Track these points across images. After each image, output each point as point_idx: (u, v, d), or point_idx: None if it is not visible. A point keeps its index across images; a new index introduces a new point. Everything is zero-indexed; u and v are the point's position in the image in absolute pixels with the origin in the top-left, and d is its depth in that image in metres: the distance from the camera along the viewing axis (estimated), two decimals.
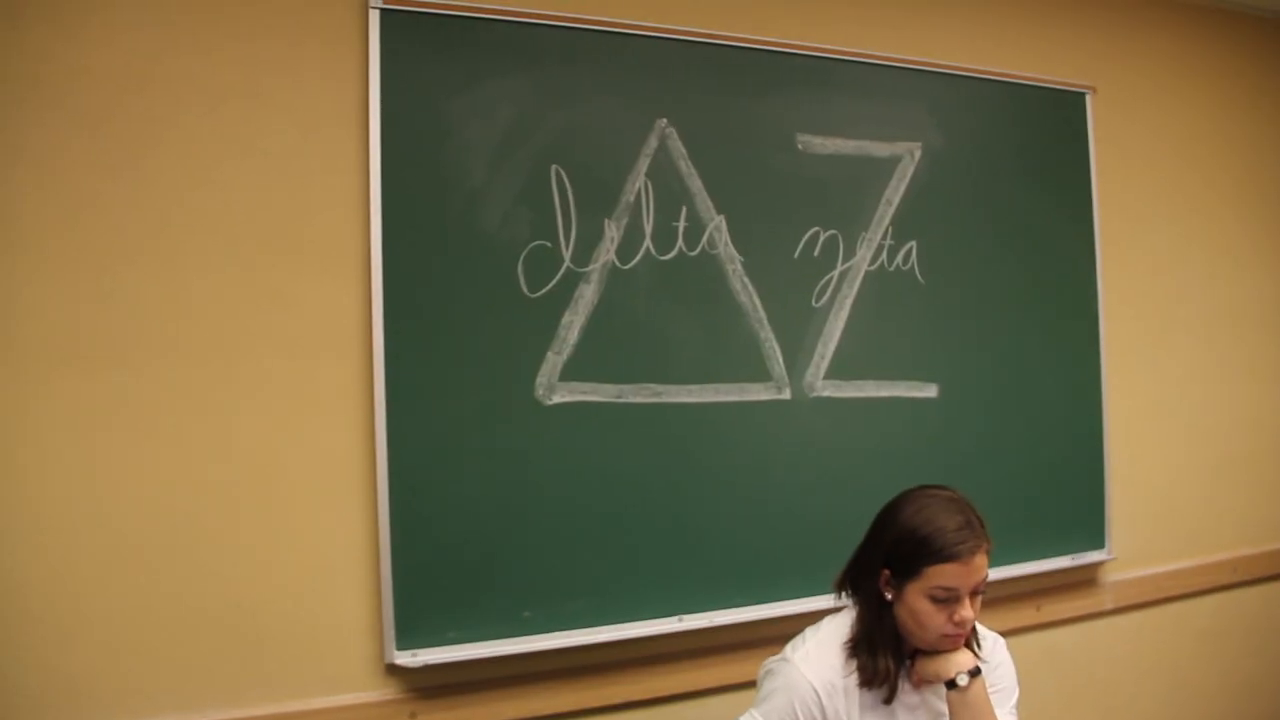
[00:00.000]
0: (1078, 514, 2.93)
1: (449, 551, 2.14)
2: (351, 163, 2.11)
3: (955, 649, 1.77)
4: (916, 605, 1.70)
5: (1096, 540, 2.95)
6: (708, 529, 2.37)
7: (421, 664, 2.10)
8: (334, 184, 2.11)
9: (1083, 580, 2.99)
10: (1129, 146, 3.13)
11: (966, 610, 1.70)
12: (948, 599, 1.69)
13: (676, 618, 2.33)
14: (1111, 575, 3.04)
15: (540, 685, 2.25)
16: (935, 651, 1.75)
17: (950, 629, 1.71)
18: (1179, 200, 3.26)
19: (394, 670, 2.12)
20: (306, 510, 2.08)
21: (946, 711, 1.79)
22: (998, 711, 1.85)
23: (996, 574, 2.60)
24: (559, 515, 2.23)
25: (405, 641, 2.10)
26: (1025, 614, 2.85)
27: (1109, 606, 3.04)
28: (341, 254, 2.10)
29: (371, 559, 2.10)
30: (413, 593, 2.10)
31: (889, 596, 1.75)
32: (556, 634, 2.22)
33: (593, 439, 2.25)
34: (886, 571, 1.74)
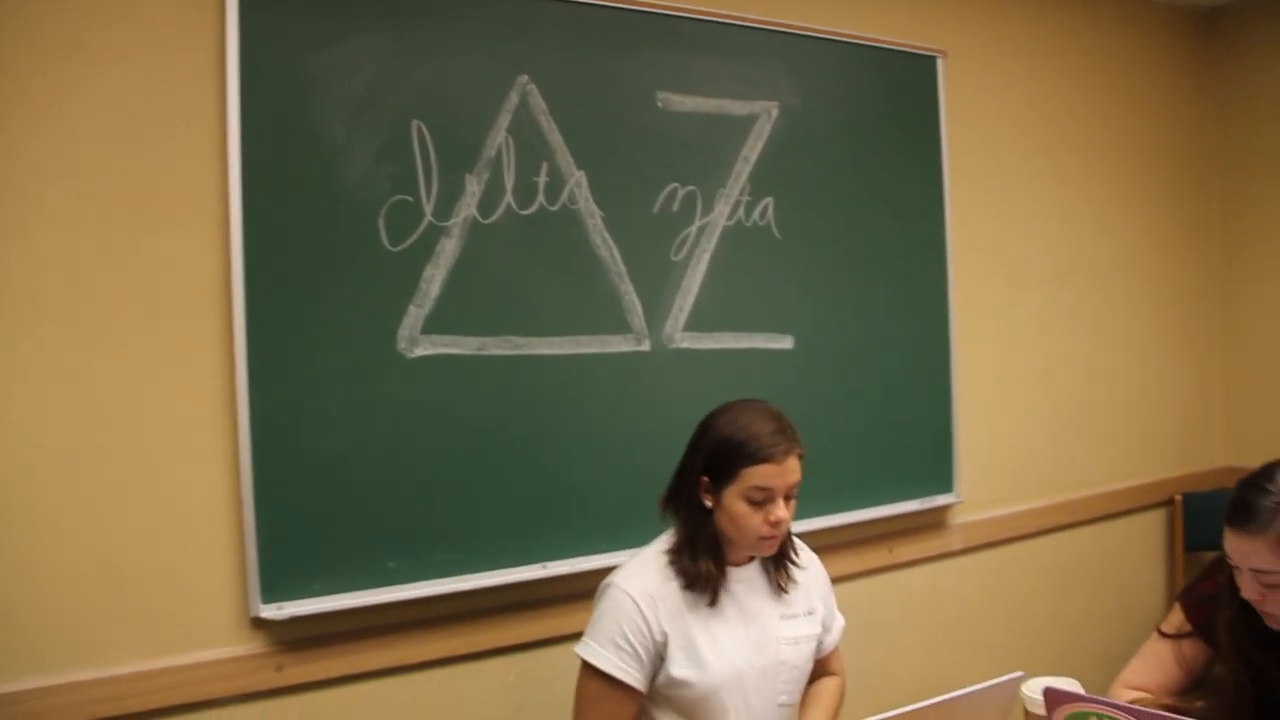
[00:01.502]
0: (927, 460, 3.12)
1: (313, 504, 2.17)
2: (209, 117, 2.11)
3: (773, 551, 1.93)
4: (734, 508, 1.85)
5: (945, 485, 3.14)
6: (571, 478, 2.46)
7: (287, 616, 2.14)
8: (192, 139, 2.10)
9: (932, 523, 3.19)
10: (978, 109, 3.31)
11: (781, 511, 1.85)
12: (763, 500, 1.83)
13: (541, 565, 2.42)
14: (959, 517, 3.24)
15: (407, 634, 2.32)
16: None
17: (766, 530, 1.85)
18: (1024, 162, 3.46)
19: (259, 624, 2.15)
20: (167, 466, 2.09)
21: (766, 614, 1.95)
22: (834, 612, 2.03)
23: (852, 518, 2.79)
24: (423, 466, 2.28)
25: (270, 595, 2.13)
26: (879, 556, 3.02)
27: (957, 547, 3.25)
28: (200, 209, 2.10)
29: (234, 513, 2.12)
30: (277, 545, 2.13)
31: (708, 503, 1.89)
32: (422, 583, 2.28)
33: (456, 391, 2.31)
34: (705, 478, 1.88)
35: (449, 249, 2.29)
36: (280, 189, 2.13)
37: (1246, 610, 1.72)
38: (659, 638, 1.87)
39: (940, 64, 3.12)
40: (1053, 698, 1.46)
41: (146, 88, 2.07)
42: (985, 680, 1.56)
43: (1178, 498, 3.88)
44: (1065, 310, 3.58)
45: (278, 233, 2.13)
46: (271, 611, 2.13)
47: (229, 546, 2.14)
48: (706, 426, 1.94)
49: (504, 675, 2.46)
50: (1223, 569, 1.78)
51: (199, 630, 2.12)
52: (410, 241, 2.25)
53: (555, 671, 2.48)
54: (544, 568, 2.42)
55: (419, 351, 2.27)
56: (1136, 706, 1.36)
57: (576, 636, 2.45)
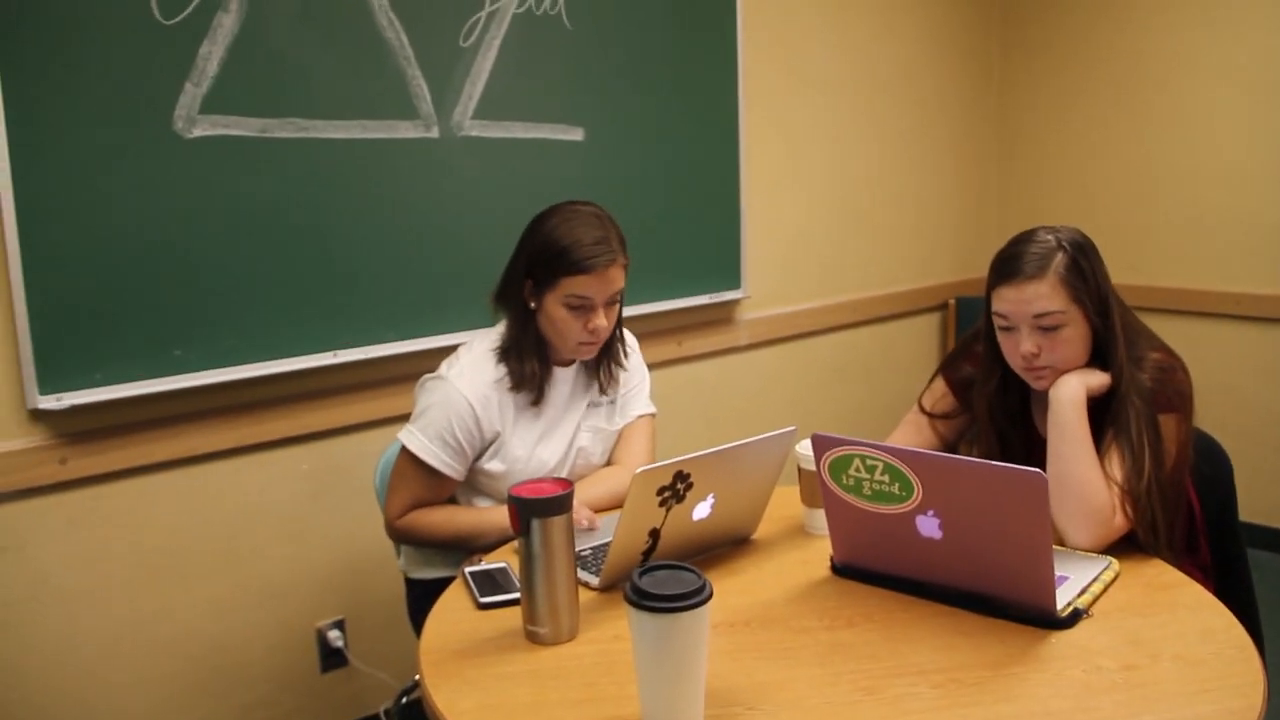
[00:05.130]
0: (716, 256, 3.31)
1: (90, 290, 2.17)
2: None
3: (591, 356, 2.04)
4: (554, 313, 1.94)
5: (732, 281, 3.35)
6: (360, 265, 2.52)
7: (68, 406, 2.16)
8: None
9: (720, 318, 3.40)
10: None
11: (600, 319, 1.94)
12: (582, 307, 1.92)
13: (331, 353, 2.49)
14: (746, 314, 3.47)
15: (196, 424, 2.38)
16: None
17: (585, 336, 1.95)
18: None
19: (39, 415, 2.17)
20: None
21: (577, 406, 2.08)
22: (639, 398, 2.17)
23: (641, 310, 2.94)
24: (207, 251, 2.30)
25: (49, 385, 2.14)
26: (668, 348, 3.23)
27: (744, 342, 3.48)
28: None
29: (4, 301, 2.10)
30: (53, 334, 2.13)
31: (532, 305, 1.97)
32: (209, 371, 2.33)
33: (238, 174, 2.32)
34: (530, 282, 1.96)
35: (226, 24, 2.26)
36: None
37: (1003, 386, 1.93)
38: (489, 436, 1.97)
39: None
40: (820, 444, 1.59)
41: None
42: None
43: (952, 301, 4.24)
44: (852, 116, 3.79)
45: None
46: (50, 402, 2.14)
47: (0, 336, 2.12)
48: (533, 229, 1.98)
49: (298, 465, 2.55)
50: (980, 340, 1.98)
51: None
52: (184, 15, 2.21)
53: (350, 460, 2.60)
54: (334, 355, 2.50)
55: (198, 132, 2.25)
56: (897, 446, 1.52)
57: (371, 425, 2.59)
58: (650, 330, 3.09)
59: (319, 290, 2.46)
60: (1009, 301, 1.79)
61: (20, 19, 2.04)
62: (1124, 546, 1.69)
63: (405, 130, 2.55)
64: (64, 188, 2.12)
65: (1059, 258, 1.76)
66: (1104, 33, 4.01)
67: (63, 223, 2.13)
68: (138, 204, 2.21)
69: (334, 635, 2.64)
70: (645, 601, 1.15)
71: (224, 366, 2.35)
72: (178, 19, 2.21)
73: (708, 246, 3.27)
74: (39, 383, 2.13)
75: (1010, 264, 1.80)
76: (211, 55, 2.25)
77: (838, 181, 3.77)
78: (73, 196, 2.14)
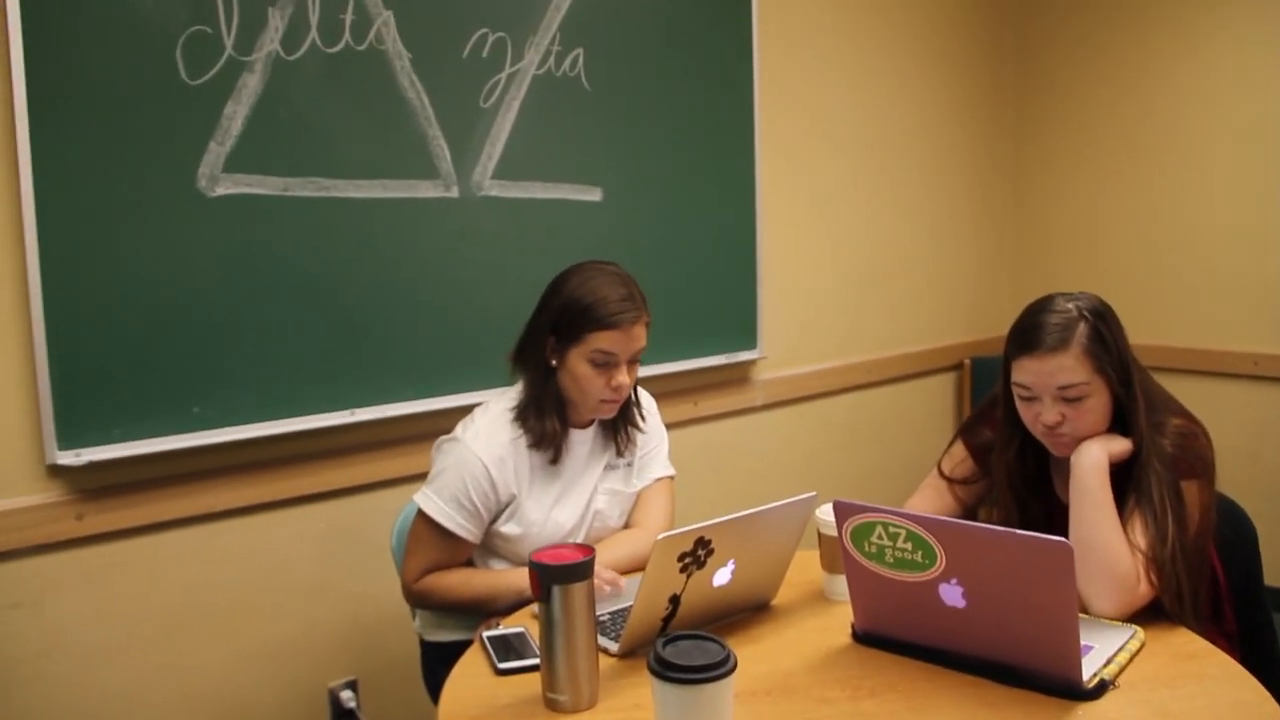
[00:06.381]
0: (732, 316, 3.31)
1: (111, 347, 2.18)
2: None
3: (612, 414, 2.04)
4: (578, 369, 1.94)
5: (749, 341, 3.35)
6: (377, 324, 2.53)
7: (86, 462, 2.16)
8: None
9: (737, 378, 3.40)
10: None
11: (623, 376, 1.95)
12: (606, 363, 1.93)
13: (348, 411, 2.49)
14: (762, 374, 3.47)
15: (213, 481, 2.37)
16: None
17: (607, 393, 1.96)
18: (831, 29, 3.64)
19: (57, 471, 2.17)
20: None
21: (594, 468, 2.07)
22: (657, 460, 2.16)
23: (657, 370, 2.95)
24: (227, 309, 2.31)
25: (68, 440, 2.14)
26: (684, 408, 3.22)
27: (760, 403, 3.48)
28: None
29: (26, 356, 2.11)
30: (74, 389, 2.14)
31: (554, 362, 1.97)
32: (227, 429, 2.33)
33: (259, 232, 2.33)
34: (552, 338, 1.96)
35: (251, 85, 2.29)
36: (65, 13, 2.08)
37: (1023, 452, 1.92)
38: (505, 499, 1.97)
39: None
40: (842, 510, 1.59)
41: None
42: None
43: (967, 361, 4.23)
44: (867, 177, 3.81)
45: (65, 60, 2.08)
46: (69, 458, 2.14)
47: (21, 391, 2.13)
48: (556, 286, 1.99)
49: (314, 523, 2.54)
50: (999, 407, 1.96)
51: None
52: (210, 75, 2.24)
53: (366, 518, 2.58)
54: (351, 414, 2.50)
55: (220, 190, 2.27)
56: (919, 513, 1.51)
57: (387, 484, 2.58)
58: (667, 390, 3.08)
59: (337, 348, 2.47)
60: (1031, 372, 1.78)
61: (51, 79, 2.07)
62: (1148, 615, 1.67)
63: (425, 190, 2.57)
64: (88, 243, 2.14)
65: (1081, 328, 1.75)
66: (1115, 95, 4.04)
67: (86, 278, 2.14)
68: (160, 261, 2.23)
69: (346, 695, 2.61)
70: (669, 672, 1.15)
71: (241, 424, 2.35)
72: (203, 79, 2.23)
73: (724, 307, 3.28)
74: (58, 438, 2.13)
75: (1031, 334, 1.79)
76: (236, 115, 2.28)
77: (854, 242, 3.78)
78: (96, 252, 2.15)
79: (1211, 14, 3.75)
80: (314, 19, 2.36)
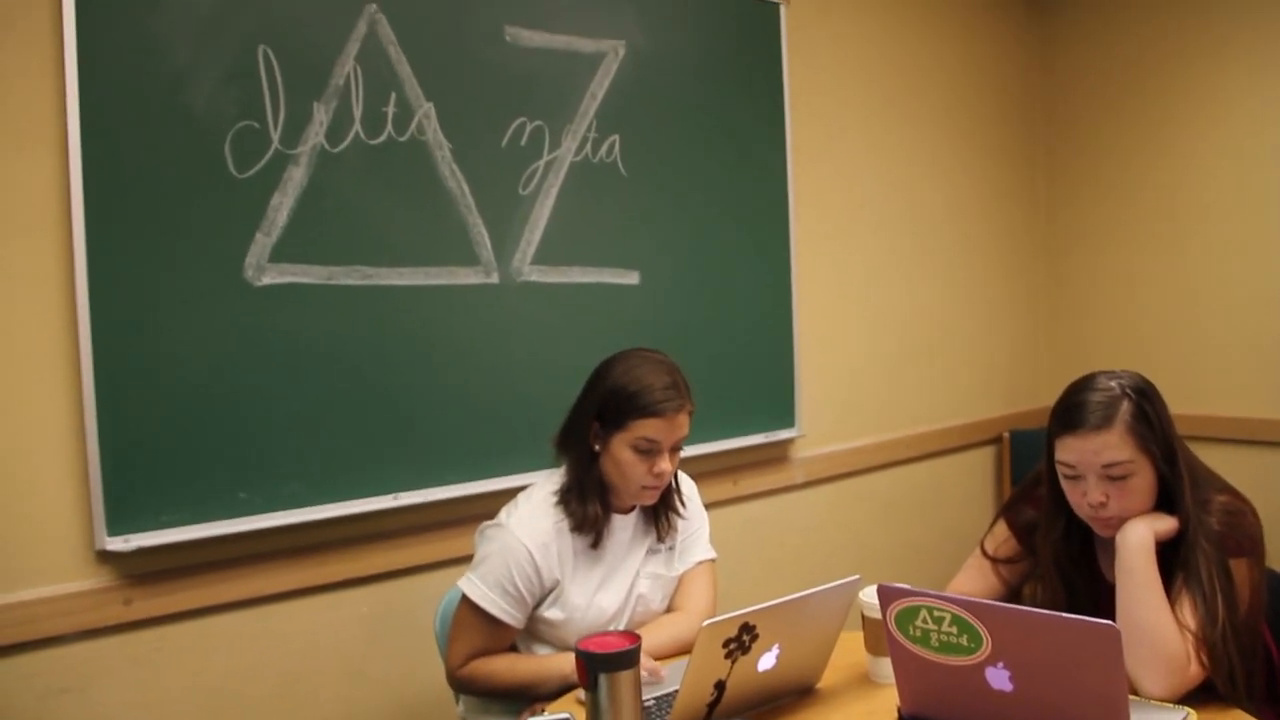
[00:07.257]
0: (770, 395, 3.32)
1: (160, 434, 2.21)
2: (45, 35, 2.09)
3: (654, 501, 2.05)
4: (621, 455, 1.96)
5: (787, 420, 3.35)
6: (420, 409, 2.56)
7: (134, 548, 2.18)
8: (25, 57, 2.09)
9: (775, 457, 3.40)
10: (819, 56, 3.51)
11: (665, 464, 1.97)
12: (650, 450, 1.95)
13: (392, 495, 2.51)
14: (801, 452, 3.46)
15: (259, 566, 2.39)
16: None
17: (650, 480, 1.98)
18: (863, 109, 3.68)
19: (106, 556, 2.19)
20: (5, 396, 2.09)
21: (636, 553, 2.08)
22: (699, 544, 2.16)
23: (697, 450, 2.96)
24: (273, 396, 2.35)
25: (117, 527, 2.16)
26: (724, 488, 3.22)
27: (799, 480, 3.47)
28: (37, 131, 2.10)
29: (77, 444, 2.14)
30: (123, 476, 2.16)
31: (597, 447, 1.99)
32: (273, 514, 2.35)
33: (304, 320, 2.37)
34: (597, 423, 1.99)
35: (296, 177, 2.34)
36: (122, 111, 2.14)
37: (1068, 532, 1.91)
38: (549, 584, 1.98)
39: (783, 11, 3.30)
40: (886, 595, 1.59)
41: None
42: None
43: (1006, 435, 4.20)
44: (902, 254, 3.83)
45: (119, 157, 2.14)
46: (118, 544, 2.16)
47: (72, 478, 2.15)
48: (602, 372, 2.03)
49: (358, 607, 2.55)
50: (1043, 485, 1.95)
51: (42, 565, 2.14)
52: (257, 169, 2.29)
53: (409, 603, 2.59)
54: (395, 499, 2.51)
55: (267, 280, 2.32)
56: (964, 597, 1.50)
57: (430, 567, 2.59)
58: (706, 470, 3.09)
59: (380, 433, 2.50)
60: (1075, 451, 1.78)
61: (107, 173, 2.12)
62: (1200, 696, 1.65)
63: (466, 276, 2.61)
64: (138, 332, 2.18)
65: (1125, 406, 1.75)
66: (1146, 166, 4.04)
67: (136, 368, 2.18)
68: (207, 350, 2.26)
69: None
70: None
71: (287, 509, 2.37)
72: (250, 172, 2.29)
73: (762, 386, 3.29)
74: (107, 525, 2.16)
75: (1075, 413, 1.79)
76: (282, 206, 2.33)
77: (890, 318, 3.79)
78: (146, 341, 2.19)
79: (1240, 79, 3.76)
80: (358, 112, 2.42)
